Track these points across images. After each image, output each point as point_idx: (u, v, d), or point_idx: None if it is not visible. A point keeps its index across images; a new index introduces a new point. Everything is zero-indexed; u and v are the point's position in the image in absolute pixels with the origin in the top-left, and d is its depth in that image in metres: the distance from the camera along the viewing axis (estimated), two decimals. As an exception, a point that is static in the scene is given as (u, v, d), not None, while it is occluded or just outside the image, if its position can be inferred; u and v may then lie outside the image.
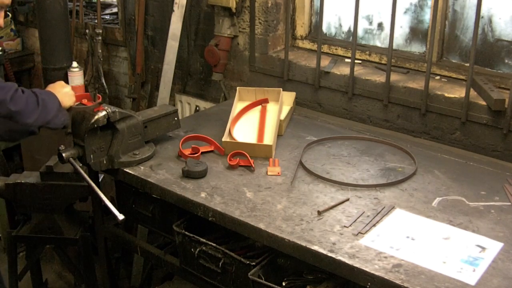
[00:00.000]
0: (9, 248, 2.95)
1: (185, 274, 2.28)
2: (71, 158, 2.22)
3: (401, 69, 2.83)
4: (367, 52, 2.98)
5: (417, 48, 2.88)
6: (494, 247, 1.81)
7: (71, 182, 2.74)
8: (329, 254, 1.77)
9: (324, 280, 1.92)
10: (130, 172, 2.30)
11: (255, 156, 2.38)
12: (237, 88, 2.80)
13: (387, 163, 2.39)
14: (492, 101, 2.37)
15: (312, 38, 3.19)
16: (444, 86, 2.66)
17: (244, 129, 2.58)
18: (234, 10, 3.15)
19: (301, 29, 3.21)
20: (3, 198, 3.25)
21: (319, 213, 1.99)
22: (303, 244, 1.82)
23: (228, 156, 2.36)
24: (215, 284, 2.13)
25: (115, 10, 4.28)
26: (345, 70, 2.89)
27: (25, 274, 3.03)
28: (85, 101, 2.28)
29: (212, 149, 2.48)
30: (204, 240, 2.11)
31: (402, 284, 1.64)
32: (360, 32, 3.00)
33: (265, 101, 2.76)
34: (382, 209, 2.02)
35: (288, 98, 2.85)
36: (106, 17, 4.30)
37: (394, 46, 2.76)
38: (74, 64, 3.52)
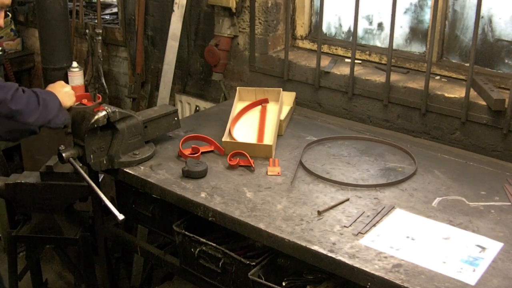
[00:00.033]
0: (9, 248, 2.95)
1: (185, 274, 2.28)
2: (71, 158, 2.22)
3: (401, 69, 2.83)
4: (367, 52, 2.98)
5: (417, 48, 2.88)
6: (494, 247, 1.81)
7: (71, 182, 2.74)
8: (329, 254, 1.77)
9: (324, 280, 1.92)
10: (130, 172, 2.30)
11: (255, 156, 2.38)
12: (237, 88, 2.80)
13: (387, 163, 2.39)
14: (492, 101, 2.37)
15: (312, 38, 3.19)
16: (444, 86, 2.66)
17: (244, 129, 2.58)
18: (234, 10, 3.15)
19: (301, 29, 3.21)
20: (3, 198, 3.25)
21: (319, 213, 1.99)
22: (303, 244, 1.82)
23: (228, 156, 2.36)
24: (215, 284, 2.13)
25: (115, 10, 4.28)
26: (345, 70, 2.89)
27: (25, 274, 3.03)
28: (85, 101, 2.28)
29: (212, 149, 2.48)
30: (204, 240, 2.11)
31: (402, 284, 1.64)
32: (360, 32, 3.00)
33: (265, 101, 2.76)
34: (382, 209, 2.02)
35: (288, 98, 2.85)
36: (106, 17, 4.30)
37: (394, 46, 2.76)
38: (74, 64, 3.52)
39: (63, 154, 2.21)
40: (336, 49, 3.09)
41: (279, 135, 2.59)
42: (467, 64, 2.55)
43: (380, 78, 2.78)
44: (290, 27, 3.11)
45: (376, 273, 1.68)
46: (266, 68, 3.17)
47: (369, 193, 2.14)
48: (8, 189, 2.76)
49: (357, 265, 1.72)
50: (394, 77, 2.75)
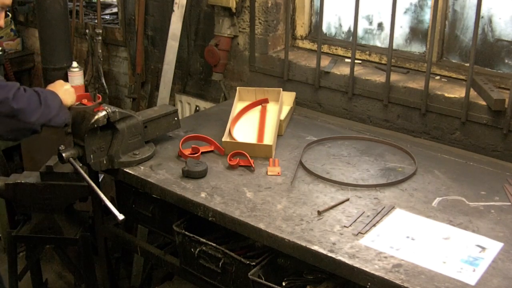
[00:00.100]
0: (9, 248, 2.95)
1: (185, 274, 2.28)
2: (71, 158, 2.22)
3: (401, 69, 2.83)
4: (367, 52, 2.98)
5: (417, 48, 2.88)
6: (494, 247, 1.81)
7: (71, 182, 2.74)
8: (329, 254, 1.77)
9: (324, 280, 1.92)
10: (130, 172, 2.30)
11: (255, 156, 2.38)
12: (237, 88, 2.80)
13: (387, 163, 2.39)
14: (492, 101, 2.37)
15: (312, 38, 3.19)
16: (444, 86, 2.66)
17: (244, 129, 2.58)
18: (234, 10, 3.15)
19: (301, 29, 3.21)
20: (3, 198, 3.25)
21: (319, 213, 1.99)
22: (303, 244, 1.82)
23: (228, 156, 2.36)
24: (215, 284, 2.13)
25: (115, 10, 4.27)
26: (345, 70, 2.89)
27: (25, 274, 3.03)
28: (85, 101, 2.28)
29: (212, 149, 2.48)
30: (204, 240, 2.11)
31: (402, 284, 1.64)
32: (360, 32, 3.00)
33: (265, 101, 2.76)
34: (382, 209, 2.02)
35: (288, 98, 2.85)
36: (106, 17, 4.30)
37: (394, 46, 2.76)
38: (74, 64, 3.52)
39: (63, 154, 2.21)
40: (336, 49, 3.09)
41: (279, 135, 2.59)
42: (467, 64, 2.55)
43: (380, 78, 2.78)
44: (290, 27, 3.11)
45: (376, 273, 1.68)
46: (266, 68, 3.17)
47: (369, 193, 2.14)
48: (8, 189, 2.76)
49: (357, 265, 1.72)
50: (394, 77, 2.75)
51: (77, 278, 3.15)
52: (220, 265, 2.07)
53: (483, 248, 1.80)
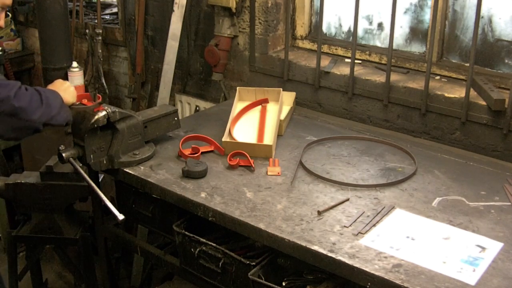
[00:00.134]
0: (9, 248, 2.95)
1: (185, 274, 2.28)
2: (71, 158, 2.22)
3: (401, 69, 2.83)
4: (367, 52, 2.98)
5: (417, 48, 2.88)
6: (494, 247, 1.81)
7: (71, 182, 2.74)
8: (329, 254, 1.77)
9: (324, 280, 1.92)
10: (130, 172, 2.30)
11: (255, 156, 2.38)
12: (237, 88, 2.80)
13: (387, 163, 2.39)
14: (492, 101, 2.37)
15: (312, 38, 3.19)
16: (444, 86, 2.66)
17: (244, 129, 2.58)
18: (234, 10, 3.15)
19: (301, 29, 3.21)
20: (3, 198, 3.25)
21: (319, 213, 1.99)
22: (303, 244, 1.82)
23: (228, 156, 2.36)
24: (215, 284, 2.13)
25: (115, 10, 4.28)
26: (345, 70, 2.89)
27: (25, 274, 3.03)
28: (85, 101, 2.28)
29: (212, 149, 2.48)
30: (204, 240, 2.11)
31: (402, 284, 1.64)
32: (360, 32, 3.00)
33: (265, 101, 2.76)
34: (382, 209, 2.02)
35: (288, 98, 2.85)
36: (106, 17, 4.30)
37: (394, 46, 2.76)
38: (74, 64, 3.52)
39: (63, 154, 2.21)
40: (336, 49, 3.09)
41: (279, 135, 2.59)
42: (467, 64, 2.55)
43: (380, 78, 2.78)
44: (290, 27, 3.11)
45: (376, 273, 1.68)
46: (266, 68, 3.17)
47: (369, 193, 2.14)
48: (8, 189, 2.76)
49: (357, 265, 1.72)
50: (394, 77, 2.75)
51: (77, 278, 3.15)
52: (220, 265, 2.07)
53: (483, 248, 1.80)
